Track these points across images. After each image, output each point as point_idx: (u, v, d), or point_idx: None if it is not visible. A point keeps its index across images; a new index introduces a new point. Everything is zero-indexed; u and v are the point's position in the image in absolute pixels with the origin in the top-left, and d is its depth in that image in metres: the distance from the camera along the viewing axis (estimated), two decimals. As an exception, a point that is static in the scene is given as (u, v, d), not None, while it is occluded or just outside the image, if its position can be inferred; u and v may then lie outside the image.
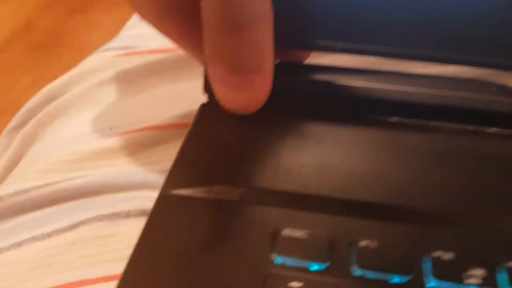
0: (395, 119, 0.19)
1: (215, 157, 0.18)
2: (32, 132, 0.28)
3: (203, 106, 0.20)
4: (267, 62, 0.18)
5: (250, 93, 0.18)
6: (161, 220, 0.16)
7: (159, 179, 0.22)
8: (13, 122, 0.29)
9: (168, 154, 0.23)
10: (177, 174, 0.18)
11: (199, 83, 0.26)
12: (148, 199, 0.21)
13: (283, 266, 0.15)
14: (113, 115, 0.26)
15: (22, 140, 0.28)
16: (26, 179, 0.23)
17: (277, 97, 0.19)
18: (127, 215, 0.21)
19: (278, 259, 0.15)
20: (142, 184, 0.22)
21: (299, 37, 0.20)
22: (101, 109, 0.26)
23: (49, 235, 0.21)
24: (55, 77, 0.31)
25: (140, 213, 0.21)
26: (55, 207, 0.22)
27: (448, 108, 0.18)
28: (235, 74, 0.18)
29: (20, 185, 0.23)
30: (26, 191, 0.23)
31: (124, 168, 0.22)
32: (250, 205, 0.17)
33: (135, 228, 0.20)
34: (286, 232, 0.16)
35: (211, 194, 0.17)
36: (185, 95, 0.26)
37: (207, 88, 0.20)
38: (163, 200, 0.17)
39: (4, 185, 0.24)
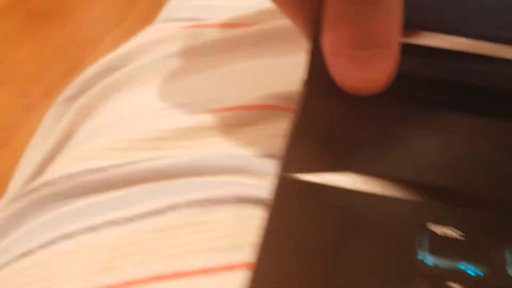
0: None
1: (334, 141, 0.17)
2: (89, 104, 0.26)
3: (308, 86, 0.19)
4: (396, 37, 0.17)
5: (375, 71, 0.17)
6: (287, 208, 0.15)
7: (252, 164, 0.20)
8: (68, 92, 0.27)
9: (257, 136, 0.21)
10: (297, 158, 0.16)
11: (278, 62, 0.24)
12: (243, 185, 0.19)
13: (434, 267, 0.13)
14: (187, 91, 0.24)
15: (77, 112, 0.26)
16: (100, 157, 0.21)
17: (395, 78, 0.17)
18: (221, 201, 0.19)
19: (428, 259, 0.14)
20: (234, 168, 0.20)
21: (420, 17, 0.18)
22: (171, 84, 0.24)
23: (130, 219, 0.19)
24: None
25: (236, 200, 0.19)
26: (132, 189, 0.20)
27: None
28: (362, 48, 0.16)
29: (93, 162, 0.21)
30: (101, 169, 0.21)
31: (211, 150, 0.21)
32: (386, 196, 0.15)
33: (230, 215, 0.19)
34: (434, 228, 0.14)
35: (341, 182, 0.15)
36: (266, 74, 0.24)
37: (315, 65, 0.18)
38: (286, 185, 0.15)
39: (69, 162, 0.22)
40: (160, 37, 0.26)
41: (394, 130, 0.17)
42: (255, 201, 0.19)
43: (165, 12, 0.31)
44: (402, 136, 0.17)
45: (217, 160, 0.20)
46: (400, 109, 0.17)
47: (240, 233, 0.18)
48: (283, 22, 0.25)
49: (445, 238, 0.14)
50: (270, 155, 0.20)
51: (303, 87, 0.19)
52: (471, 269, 0.13)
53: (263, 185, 0.19)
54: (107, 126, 0.24)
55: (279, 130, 0.21)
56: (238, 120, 0.22)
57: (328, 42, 0.17)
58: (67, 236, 0.20)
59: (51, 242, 0.20)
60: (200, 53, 0.25)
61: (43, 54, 1.10)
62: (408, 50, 0.18)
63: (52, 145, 0.26)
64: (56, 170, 0.22)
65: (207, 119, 0.21)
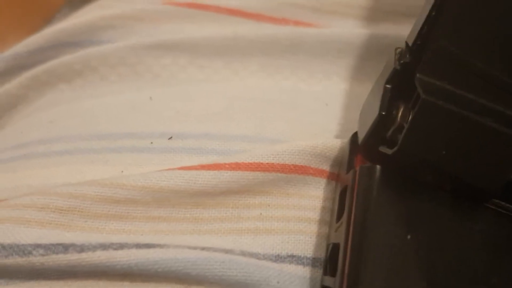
0: None
1: None
2: (19, 94, 0.18)
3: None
4: None
5: None
6: None
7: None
8: None
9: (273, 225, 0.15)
10: None
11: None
12: None
13: None
14: (162, 111, 0.16)
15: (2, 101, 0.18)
16: (23, 220, 0.14)
17: None
18: None
19: None
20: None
21: None
22: (143, 93, 0.17)
23: None
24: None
25: None
26: None
27: None
28: None
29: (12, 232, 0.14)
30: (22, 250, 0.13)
31: (206, 240, 0.14)
32: None
33: None
34: None
35: None
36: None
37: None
38: None
39: None
40: (139, 12, 0.18)
41: None
42: None
43: None
44: None
45: (214, 267, 0.13)
46: None
47: None
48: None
49: None
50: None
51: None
52: None
53: None
54: (38, 144, 0.16)
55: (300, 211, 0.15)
56: (249, 186, 0.14)
57: None
58: None
59: None
60: (191, 50, 0.18)
61: None
62: None
63: None
64: None
65: (199, 178, 0.14)
